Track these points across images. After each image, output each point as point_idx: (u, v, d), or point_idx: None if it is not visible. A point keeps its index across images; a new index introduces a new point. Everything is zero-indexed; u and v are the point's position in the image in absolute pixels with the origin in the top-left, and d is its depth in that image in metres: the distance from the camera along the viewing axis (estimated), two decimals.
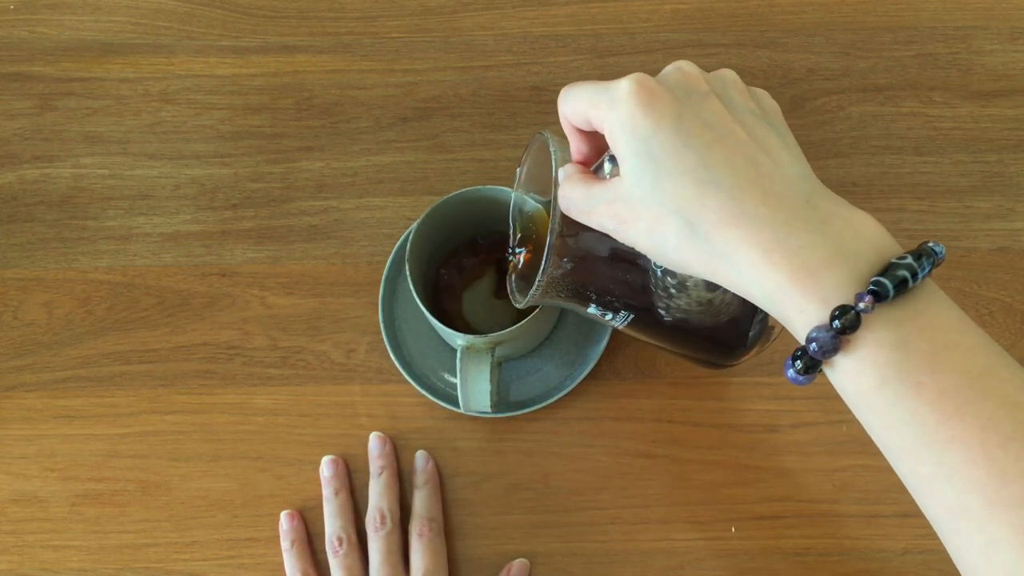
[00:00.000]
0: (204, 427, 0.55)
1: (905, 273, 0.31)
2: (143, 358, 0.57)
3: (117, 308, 0.58)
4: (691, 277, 0.39)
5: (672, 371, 0.55)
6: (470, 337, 0.48)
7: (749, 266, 0.33)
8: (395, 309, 0.57)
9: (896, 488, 0.54)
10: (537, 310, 0.48)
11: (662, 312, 0.41)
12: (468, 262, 0.55)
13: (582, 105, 0.36)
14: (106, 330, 0.57)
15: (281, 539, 0.53)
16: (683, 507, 0.53)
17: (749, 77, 0.61)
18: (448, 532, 0.53)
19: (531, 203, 0.47)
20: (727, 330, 0.42)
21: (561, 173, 0.39)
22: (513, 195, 0.47)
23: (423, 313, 0.49)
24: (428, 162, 0.61)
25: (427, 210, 0.51)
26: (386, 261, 0.57)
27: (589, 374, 0.54)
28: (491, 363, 0.48)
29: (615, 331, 0.55)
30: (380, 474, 0.53)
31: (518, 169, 0.45)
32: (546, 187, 0.40)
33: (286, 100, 0.62)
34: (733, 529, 0.53)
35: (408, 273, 0.49)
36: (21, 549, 0.53)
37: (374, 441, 0.54)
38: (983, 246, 0.58)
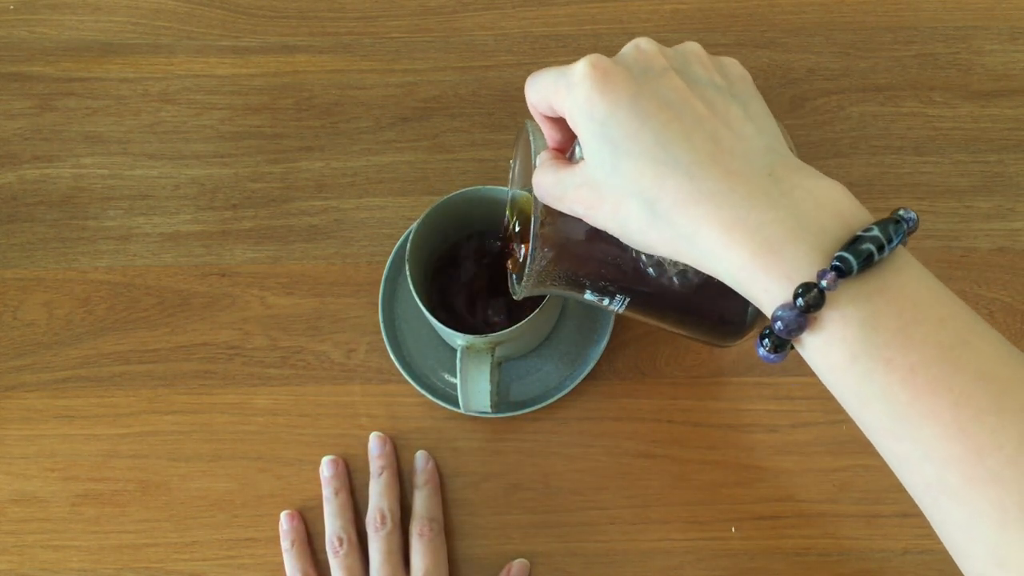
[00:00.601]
0: (204, 427, 0.55)
1: (870, 247, 0.30)
2: (143, 358, 0.57)
3: (117, 308, 0.58)
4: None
5: (672, 371, 0.56)
6: (470, 337, 0.48)
7: (711, 245, 0.32)
8: (395, 309, 0.57)
9: (896, 488, 0.54)
10: (537, 310, 0.48)
11: (664, 284, 0.41)
12: (468, 261, 0.55)
13: (544, 92, 0.36)
14: (106, 330, 0.57)
15: (281, 539, 0.53)
16: (683, 507, 0.53)
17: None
18: (448, 532, 0.53)
19: (524, 196, 0.47)
20: (726, 308, 0.42)
21: (537, 161, 0.38)
22: (509, 189, 0.47)
23: (423, 313, 0.49)
24: (428, 162, 0.61)
25: (427, 210, 0.51)
26: (386, 261, 0.57)
27: (589, 374, 0.54)
28: (491, 363, 0.48)
29: (615, 332, 0.55)
30: (380, 474, 0.53)
31: (511, 162, 0.45)
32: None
33: (286, 100, 0.62)
34: (733, 529, 0.53)
35: (408, 273, 0.49)
36: (21, 549, 0.53)
37: (374, 441, 0.54)
38: (983, 246, 0.58)
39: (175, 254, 0.59)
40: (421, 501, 0.52)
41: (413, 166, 0.61)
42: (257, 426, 0.55)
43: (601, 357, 0.55)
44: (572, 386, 0.54)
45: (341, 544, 0.51)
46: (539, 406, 0.54)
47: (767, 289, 0.32)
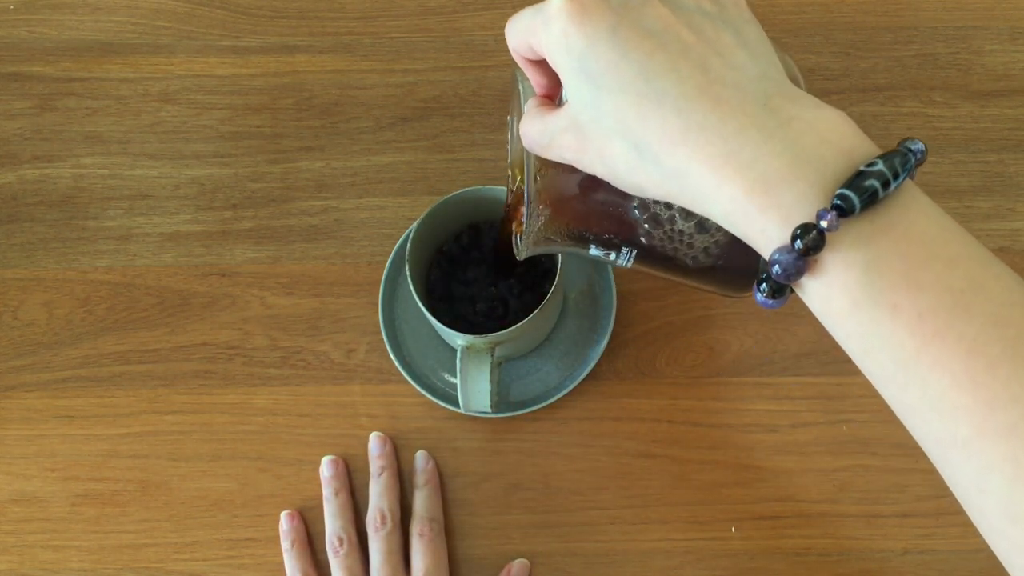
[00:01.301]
0: (204, 427, 0.55)
1: (874, 183, 0.28)
2: (143, 358, 0.57)
3: (117, 308, 0.58)
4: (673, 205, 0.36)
5: (672, 371, 0.56)
6: (470, 337, 0.48)
7: (702, 184, 0.30)
8: (395, 309, 0.57)
9: (896, 488, 0.54)
10: (537, 310, 0.48)
11: (669, 231, 0.38)
12: (468, 260, 0.55)
13: (522, 33, 0.33)
14: (106, 330, 0.57)
15: (281, 539, 0.53)
16: (683, 507, 0.53)
17: None
18: (448, 532, 0.53)
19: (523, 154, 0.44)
20: (735, 256, 0.39)
21: (525, 109, 0.36)
22: (508, 146, 0.44)
23: (423, 313, 0.49)
24: (428, 162, 0.61)
25: (427, 210, 0.51)
26: (386, 261, 0.57)
27: (589, 374, 0.54)
28: (491, 363, 0.48)
29: (615, 332, 0.55)
30: (380, 474, 0.53)
31: (508, 119, 0.43)
32: None
33: (286, 100, 0.62)
34: (733, 529, 0.53)
35: (408, 273, 0.49)
36: (21, 549, 0.53)
37: (374, 441, 0.54)
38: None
39: (175, 254, 0.59)
40: (421, 501, 0.52)
41: (413, 166, 0.60)
42: (257, 426, 0.55)
43: (601, 357, 0.55)
44: (572, 386, 0.54)
45: (341, 544, 0.51)
46: (539, 406, 0.54)
47: (763, 230, 0.29)
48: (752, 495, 0.53)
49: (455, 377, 0.50)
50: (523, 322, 0.48)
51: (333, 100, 0.62)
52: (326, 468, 0.54)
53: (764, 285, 0.31)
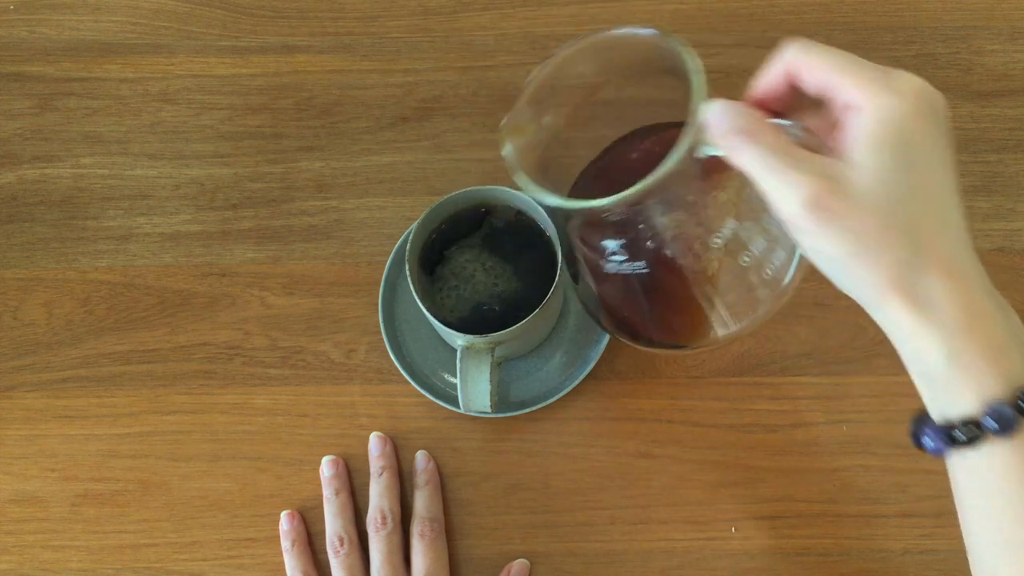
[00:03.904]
0: (204, 427, 0.55)
1: None
2: (143, 358, 0.57)
3: (117, 308, 0.58)
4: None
5: (672, 371, 0.56)
6: (470, 337, 0.48)
7: (946, 325, 0.32)
8: (395, 309, 0.57)
9: (896, 488, 0.54)
10: (537, 310, 0.48)
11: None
12: (468, 260, 0.55)
13: (836, 70, 0.33)
14: (106, 330, 0.57)
15: (281, 539, 0.53)
16: (683, 507, 0.53)
17: (749, 77, 0.61)
18: (448, 532, 0.53)
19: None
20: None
21: (724, 105, 0.34)
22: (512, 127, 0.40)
23: (423, 313, 0.49)
24: (428, 162, 0.61)
25: (427, 210, 0.51)
26: (386, 261, 0.57)
27: (589, 374, 0.54)
28: (491, 363, 0.48)
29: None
30: (381, 474, 0.53)
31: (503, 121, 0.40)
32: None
33: (286, 100, 0.62)
34: (733, 529, 0.53)
35: (408, 273, 0.49)
36: (21, 549, 0.53)
37: (374, 441, 0.54)
38: (983, 246, 0.58)
39: (175, 254, 0.59)
40: (422, 501, 0.52)
41: (413, 166, 0.61)
42: (257, 426, 0.55)
43: (601, 357, 0.55)
44: (572, 386, 0.54)
45: (342, 544, 0.51)
46: (539, 406, 0.54)
47: (981, 382, 0.32)
48: (752, 495, 0.53)
49: (455, 377, 0.50)
50: (523, 322, 0.48)
51: (333, 100, 0.62)
52: (326, 468, 0.54)
53: (958, 431, 0.32)
